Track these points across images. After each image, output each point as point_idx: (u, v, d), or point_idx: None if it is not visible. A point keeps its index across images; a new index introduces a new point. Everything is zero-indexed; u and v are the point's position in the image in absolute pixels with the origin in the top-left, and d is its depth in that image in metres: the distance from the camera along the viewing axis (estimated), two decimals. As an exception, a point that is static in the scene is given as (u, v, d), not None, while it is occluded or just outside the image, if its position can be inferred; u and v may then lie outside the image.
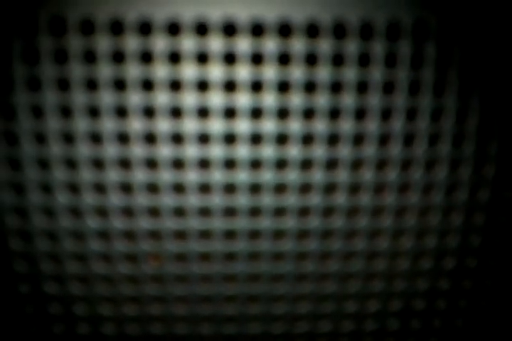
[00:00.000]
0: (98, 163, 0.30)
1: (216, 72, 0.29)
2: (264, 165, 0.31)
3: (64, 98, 0.29)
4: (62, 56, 0.28)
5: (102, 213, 0.31)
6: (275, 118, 0.30)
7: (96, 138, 0.30)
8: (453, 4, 0.29)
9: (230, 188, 0.31)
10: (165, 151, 0.30)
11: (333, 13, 0.28)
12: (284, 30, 0.28)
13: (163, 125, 0.30)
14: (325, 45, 0.29)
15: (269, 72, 0.29)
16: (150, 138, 0.30)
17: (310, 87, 0.29)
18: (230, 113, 0.30)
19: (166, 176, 0.30)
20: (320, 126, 0.30)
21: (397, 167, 0.31)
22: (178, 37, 0.28)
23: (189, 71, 0.29)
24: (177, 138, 0.30)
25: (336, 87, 0.30)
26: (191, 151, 0.30)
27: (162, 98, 0.29)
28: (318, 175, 0.31)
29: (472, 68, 0.30)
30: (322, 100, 0.30)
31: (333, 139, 0.30)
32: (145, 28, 0.28)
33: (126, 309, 0.33)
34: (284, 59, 0.29)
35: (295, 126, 0.30)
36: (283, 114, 0.30)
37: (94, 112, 0.29)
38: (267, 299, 0.33)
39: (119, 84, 0.29)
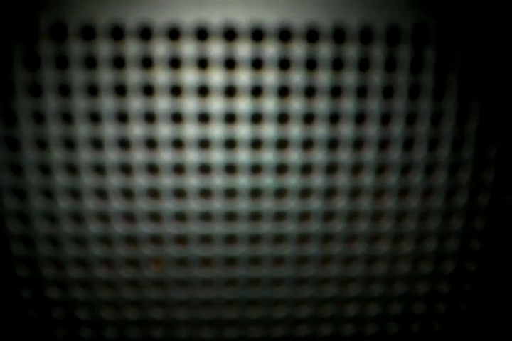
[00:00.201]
0: (99, 169, 0.30)
1: (216, 77, 0.29)
2: (264, 169, 0.31)
3: (65, 103, 0.29)
4: (63, 61, 0.28)
5: (103, 218, 0.31)
6: (275, 123, 0.30)
7: (97, 144, 0.30)
8: (452, 9, 0.29)
9: (230, 193, 0.31)
10: (166, 156, 0.30)
11: (333, 17, 0.28)
12: (284, 35, 0.29)
13: (163, 130, 0.30)
14: (325, 50, 0.29)
15: (270, 77, 0.29)
16: (151, 144, 0.30)
17: (310, 92, 0.29)
18: (230, 118, 0.30)
19: (166, 181, 0.30)
20: (320, 130, 0.30)
21: (397, 171, 0.31)
22: (178, 42, 0.28)
23: (189, 76, 0.29)
24: (178, 144, 0.30)
25: (335, 92, 0.30)
26: (192, 156, 0.30)
27: (163, 103, 0.29)
28: (318, 180, 0.31)
29: (472, 72, 0.30)
30: (322, 105, 0.30)
31: (333, 144, 0.30)
32: (145, 34, 0.28)
33: (127, 313, 0.33)
34: (284, 64, 0.29)
35: (295, 130, 0.30)
36: (283, 118, 0.30)
37: (95, 117, 0.29)
38: (268, 303, 0.33)
39: (120, 90, 0.29)
